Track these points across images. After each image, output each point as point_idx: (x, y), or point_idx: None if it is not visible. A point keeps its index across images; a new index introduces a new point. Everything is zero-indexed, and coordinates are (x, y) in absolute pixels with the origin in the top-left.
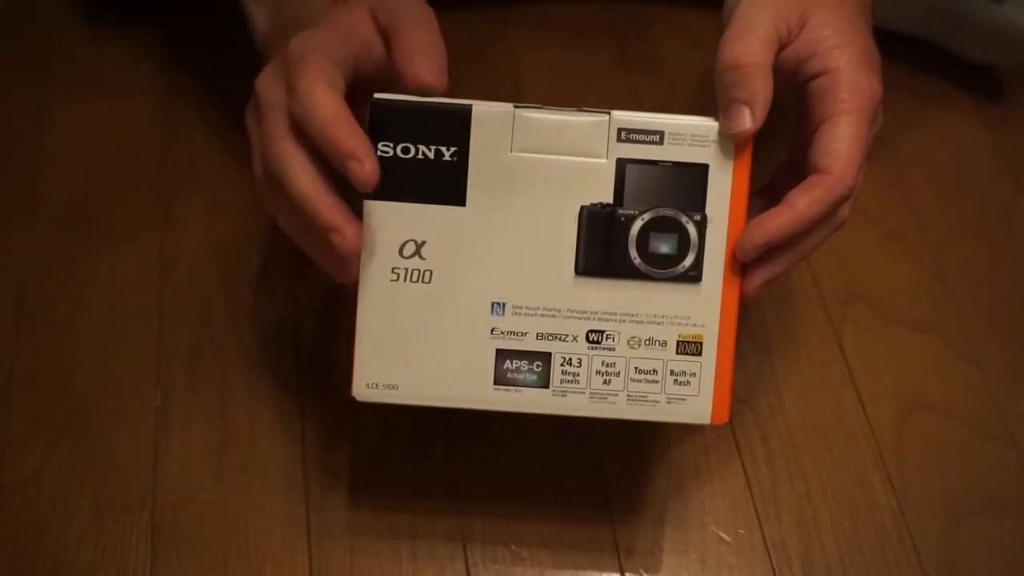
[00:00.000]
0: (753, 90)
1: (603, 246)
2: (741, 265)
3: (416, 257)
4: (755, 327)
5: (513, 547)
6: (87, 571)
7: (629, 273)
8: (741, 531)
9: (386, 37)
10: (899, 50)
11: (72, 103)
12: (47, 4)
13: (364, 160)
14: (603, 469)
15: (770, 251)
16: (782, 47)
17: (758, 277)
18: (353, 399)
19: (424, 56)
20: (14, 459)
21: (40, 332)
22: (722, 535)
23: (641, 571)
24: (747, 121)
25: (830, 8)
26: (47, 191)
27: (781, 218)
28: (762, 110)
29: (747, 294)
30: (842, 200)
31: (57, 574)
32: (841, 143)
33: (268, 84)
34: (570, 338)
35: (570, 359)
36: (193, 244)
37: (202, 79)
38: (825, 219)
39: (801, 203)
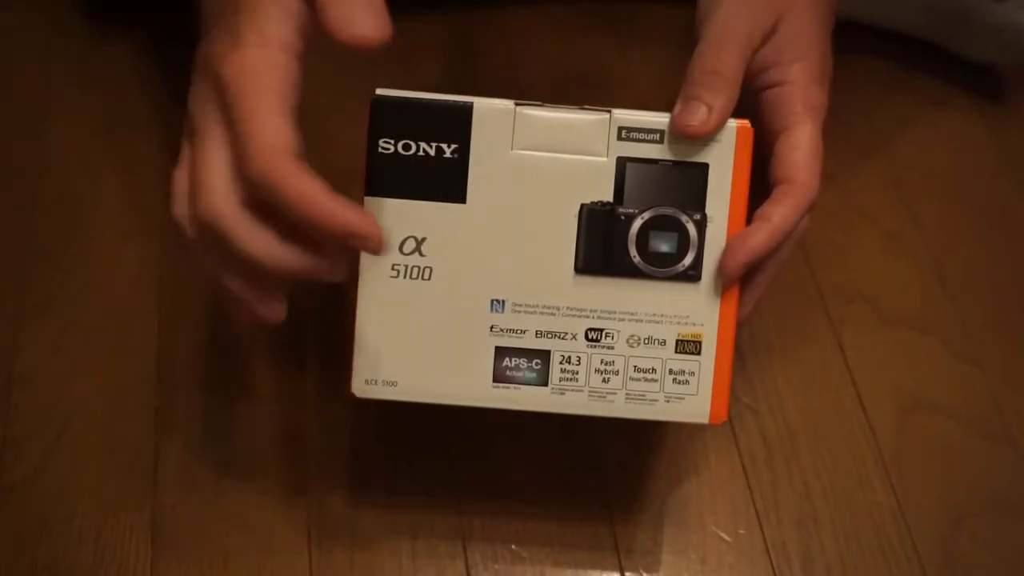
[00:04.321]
0: (719, 99)
1: (603, 244)
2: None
3: (416, 254)
4: (755, 327)
5: (513, 546)
6: (87, 571)
7: (628, 272)
8: (741, 531)
9: None
10: (898, 50)
11: (72, 103)
12: (47, 3)
13: (370, 235)
14: (603, 469)
15: (750, 272)
16: (754, 53)
17: (747, 303)
18: (353, 397)
19: (357, 7)
20: (14, 459)
21: (40, 332)
22: (722, 535)
23: (641, 571)
24: (702, 119)
25: (802, 13)
26: (47, 190)
27: (760, 233)
28: (717, 120)
29: (741, 321)
30: (810, 206)
31: (57, 574)
32: (800, 152)
33: (202, 114)
34: (569, 336)
35: (569, 357)
36: None
37: None
38: (795, 229)
39: (775, 216)
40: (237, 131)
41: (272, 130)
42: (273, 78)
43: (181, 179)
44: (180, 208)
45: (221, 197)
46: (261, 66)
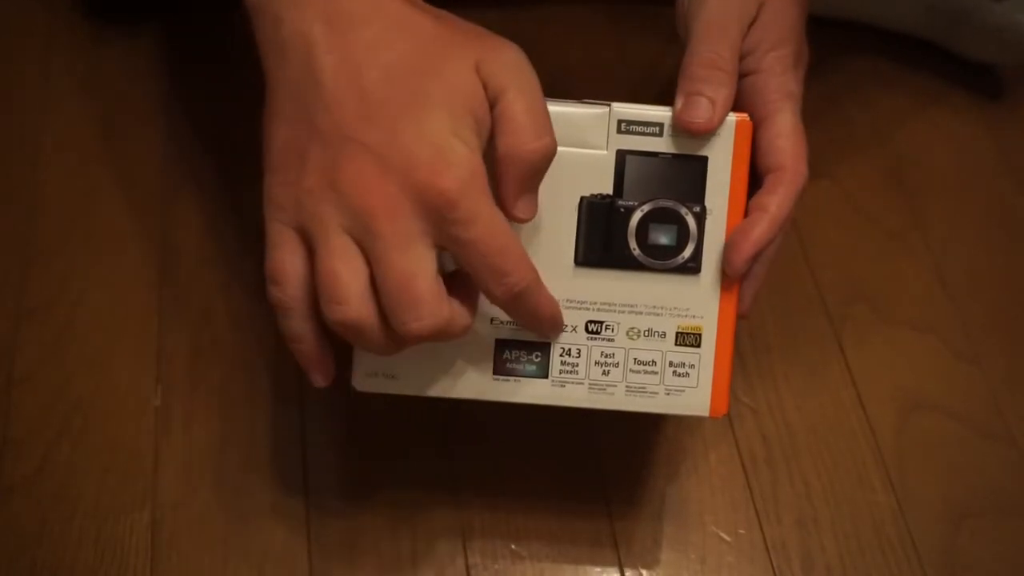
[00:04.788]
0: (721, 93)
1: (603, 237)
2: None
3: None
4: (755, 327)
5: (513, 546)
6: (87, 571)
7: (628, 264)
8: (741, 531)
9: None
10: (898, 49)
11: (72, 103)
12: (47, 3)
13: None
14: (603, 468)
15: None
16: (743, 43)
17: (746, 296)
18: (353, 396)
19: (527, 193)
20: (14, 459)
21: (40, 332)
22: (722, 535)
23: (641, 571)
24: (707, 115)
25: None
26: (47, 191)
27: (761, 224)
28: (721, 114)
29: (742, 314)
30: (802, 191)
31: (57, 574)
32: (784, 138)
33: (378, 216)
34: (569, 328)
35: (569, 350)
36: (193, 244)
37: (202, 79)
38: (791, 216)
39: (772, 205)
40: (477, 246)
41: (516, 243)
42: (489, 191)
43: (290, 264)
44: (293, 294)
45: (439, 306)
46: (482, 181)
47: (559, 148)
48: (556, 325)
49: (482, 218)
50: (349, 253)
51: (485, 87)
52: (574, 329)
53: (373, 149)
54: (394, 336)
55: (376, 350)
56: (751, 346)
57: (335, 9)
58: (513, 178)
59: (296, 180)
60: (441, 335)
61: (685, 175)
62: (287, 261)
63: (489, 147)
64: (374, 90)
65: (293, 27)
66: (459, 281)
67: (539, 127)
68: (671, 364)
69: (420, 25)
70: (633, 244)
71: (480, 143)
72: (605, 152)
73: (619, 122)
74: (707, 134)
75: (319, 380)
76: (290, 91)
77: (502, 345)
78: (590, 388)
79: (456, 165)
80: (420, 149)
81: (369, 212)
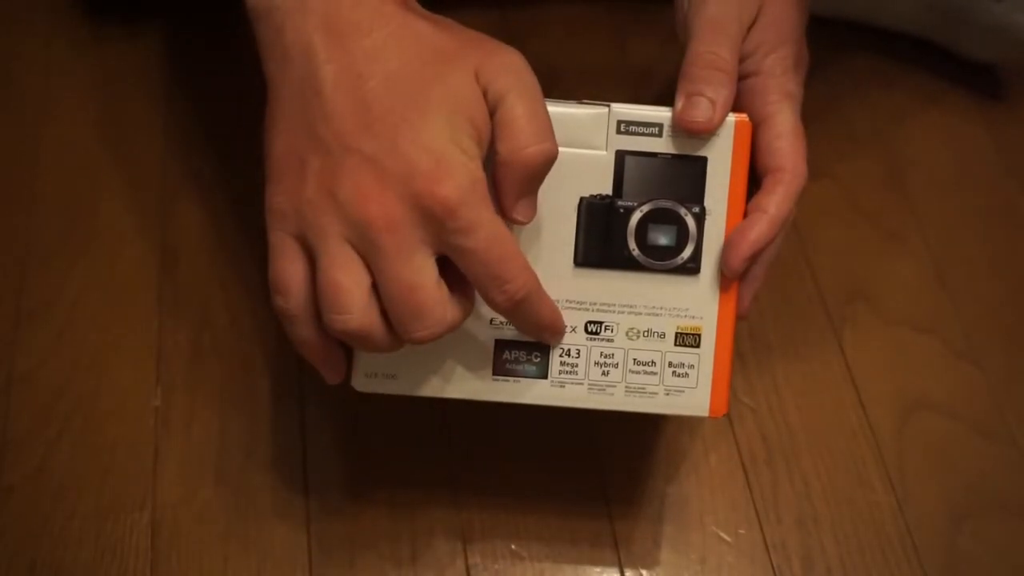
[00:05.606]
0: (721, 93)
1: (602, 238)
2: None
3: None
4: (755, 327)
5: (513, 546)
6: (87, 571)
7: (628, 264)
8: (741, 531)
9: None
10: (898, 48)
11: (72, 102)
12: (47, 2)
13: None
14: (603, 468)
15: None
16: (742, 44)
17: (745, 297)
18: (353, 397)
19: (526, 196)
20: (14, 459)
21: (40, 332)
22: (722, 535)
23: (641, 571)
24: (707, 115)
25: (781, 1)
26: (47, 191)
27: (760, 225)
28: (721, 114)
29: (741, 315)
30: (801, 192)
31: (57, 574)
32: (783, 139)
33: (375, 226)
34: (568, 329)
35: (568, 350)
36: (193, 244)
37: (202, 79)
38: (790, 217)
39: (771, 206)
40: (478, 254)
41: (517, 251)
42: (489, 198)
43: (292, 274)
44: (296, 302)
45: (444, 312)
46: (482, 188)
47: (559, 148)
48: (557, 332)
49: (483, 226)
50: (350, 263)
51: (485, 93)
52: (573, 329)
53: (373, 159)
54: (398, 339)
55: (379, 352)
56: (751, 346)
57: (336, 18)
58: (513, 182)
59: (296, 189)
60: (445, 335)
61: (684, 175)
62: (289, 270)
63: (490, 152)
64: (374, 100)
65: (294, 36)
66: (453, 272)
67: (540, 131)
68: (670, 364)
69: (420, 33)
70: (632, 244)
71: (480, 151)
72: (604, 152)
73: (618, 122)
74: (707, 134)
75: (332, 378)
76: (291, 99)
77: (502, 345)
78: (590, 388)
79: (456, 173)
80: (419, 158)
81: (369, 223)
